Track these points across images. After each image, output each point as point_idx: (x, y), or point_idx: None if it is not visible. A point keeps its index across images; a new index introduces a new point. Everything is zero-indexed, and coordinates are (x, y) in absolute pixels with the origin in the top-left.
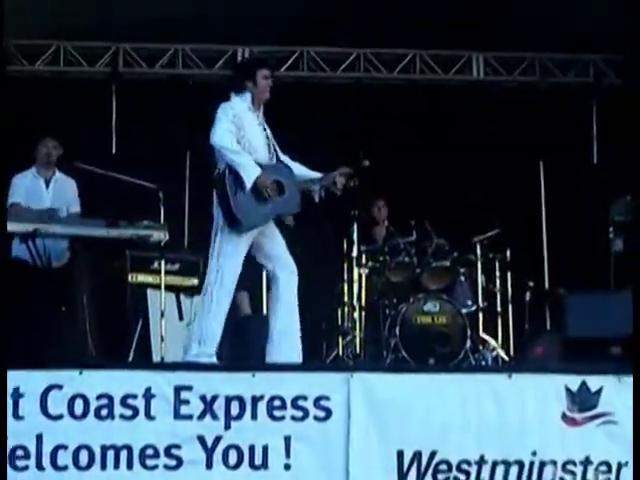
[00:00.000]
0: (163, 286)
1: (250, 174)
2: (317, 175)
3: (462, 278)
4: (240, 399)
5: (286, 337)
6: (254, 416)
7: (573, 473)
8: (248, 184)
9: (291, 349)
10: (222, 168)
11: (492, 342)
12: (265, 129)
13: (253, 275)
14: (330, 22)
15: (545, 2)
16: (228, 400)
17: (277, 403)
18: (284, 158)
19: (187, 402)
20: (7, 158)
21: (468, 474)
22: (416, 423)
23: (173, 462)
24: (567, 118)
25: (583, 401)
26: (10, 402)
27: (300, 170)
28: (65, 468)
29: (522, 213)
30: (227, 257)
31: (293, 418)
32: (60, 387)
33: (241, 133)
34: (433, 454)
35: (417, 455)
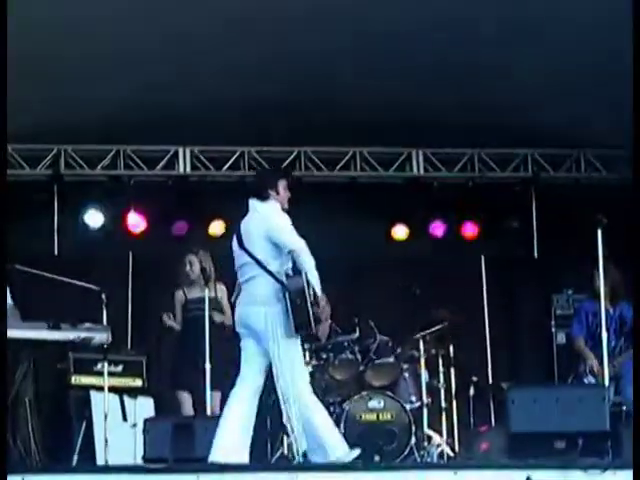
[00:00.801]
0: (106, 388)
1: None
2: None
3: (406, 374)
4: None
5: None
6: None
7: None
8: (319, 291)
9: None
10: (301, 282)
11: (437, 438)
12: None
13: (196, 376)
14: (269, 124)
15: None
16: None
17: None
18: None
19: None
20: None
21: None
22: None
23: None
24: (508, 212)
25: None
26: None
27: None
28: None
29: (464, 308)
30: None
31: None
32: None
33: None
34: None
35: None
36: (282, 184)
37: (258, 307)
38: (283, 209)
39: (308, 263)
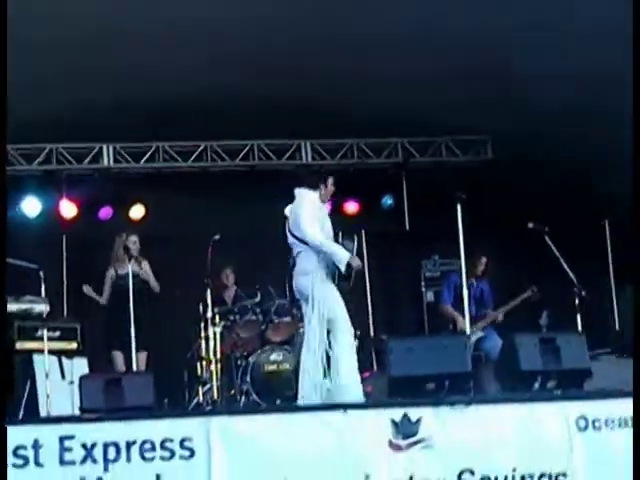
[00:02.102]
0: (46, 351)
1: (343, 258)
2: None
3: (301, 331)
4: (116, 445)
5: None
6: (128, 459)
7: None
8: (342, 267)
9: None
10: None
11: (328, 383)
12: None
13: (126, 336)
14: (180, 122)
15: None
16: (106, 446)
17: (147, 446)
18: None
19: (70, 449)
20: None
21: None
22: (267, 456)
23: None
24: (383, 193)
25: (405, 430)
26: None
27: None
28: None
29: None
30: None
31: (162, 458)
32: None
33: (321, 223)
34: None
35: None
36: (330, 181)
37: (306, 277)
38: (322, 201)
39: (320, 247)
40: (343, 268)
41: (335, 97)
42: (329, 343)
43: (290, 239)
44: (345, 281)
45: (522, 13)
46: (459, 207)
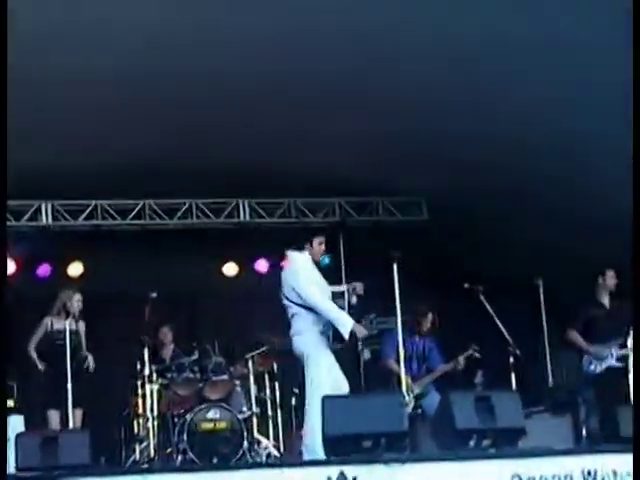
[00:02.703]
0: None
1: (347, 324)
2: (344, 287)
3: (238, 389)
4: None
5: None
6: None
7: None
8: (346, 334)
9: None
10: None
11: (265, 442)
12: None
13: (62, 394)
14: (119, 177)
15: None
16: None
17: None
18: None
19: None
20: None
21: None
22: None
23: None
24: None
25: None
26: None
27: (331, 287)
28: None
29: (286, 332)
30: None
31: None
32: None
33: (318, 283)
34: None
35: None
36: (317, 240)
37: (300, 337)
38: (314, 261)
39: (323, 312)
40: (347, 335)
41: (271, 157)
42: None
43: (284, 301)
44: (340, 343)
45: (457, 76)
46: (395, 266)
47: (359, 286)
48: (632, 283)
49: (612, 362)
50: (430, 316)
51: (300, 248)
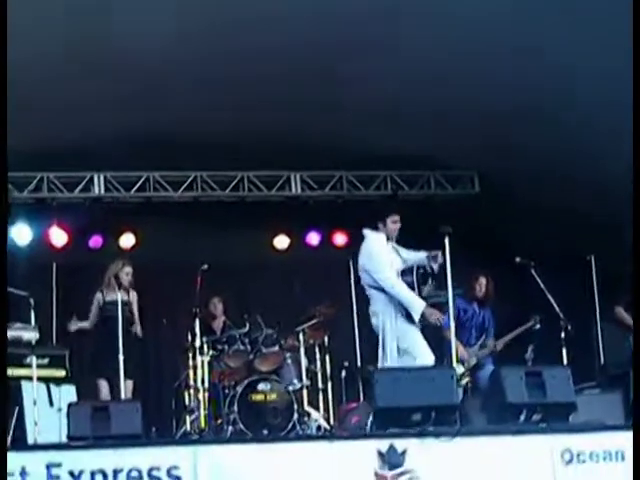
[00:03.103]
0: (35, 378)
1: (417, 308)
2: (423, 255)
3: (288, 361)
4: (103, 472)
5: None
6: None
7: None
8: (416, 317)
9: None
10: None
11: (315, 414)
12: (396, 249)
13: (112, 365)
14: (170, 152)
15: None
16: (93, 474)
17: (135, 474)
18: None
19: (57, 477)
20: None
21: None
22: None
23: None
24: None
25: (391, 461)
26: None
27: (411, 255)
28: None
29: (336, 305)
30: None
31: None
32: None
33: (390, 263)
34: None
35: None
36: (391, 219)
37: (376, 318)
38: (390, 238)
39: (396, 295)
40: (417, 317)
41: (324, 130)
42: None
43: (362, 280)
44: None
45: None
46: (446, 240)
47: (439, 255)
48: (632, 283)
49: None
50: (483, 280)
51: (375, 227)
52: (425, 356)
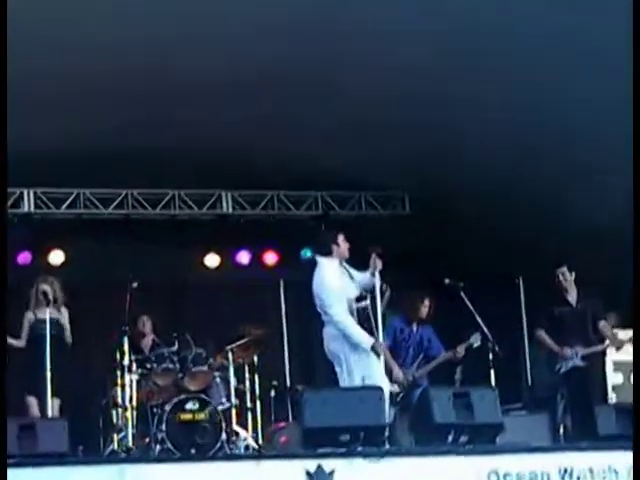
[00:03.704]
0: None
1: (365, 345)
2: (367, 276)
3: (217, 380)
4: None
5: None
6: None
7: None
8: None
9: None
10: None
11: (243, 433)
12: (349, 272)
13: (41, 382)
14: (101, 169)
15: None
16: None
17: None
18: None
19: None
20: None
21: None
22: None
23: None
24: (302, 244)
25: None
26: None
27: (360, 277)
28: None
29: (266, 324)
30: None
31: None
32: None
33: (344, 292)
34: None
35: None
36: (341, 237)
37: (337, 342)
38: (343, 259)
39: (344, 330)
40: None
41: (256, 149)
42: None
43: (318, 307)
44: None
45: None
46: (376, 259)
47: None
48: (632, 283)
49: (576, 362)
50: (427, 302)
51: (328, 253)
52: (384, 384)
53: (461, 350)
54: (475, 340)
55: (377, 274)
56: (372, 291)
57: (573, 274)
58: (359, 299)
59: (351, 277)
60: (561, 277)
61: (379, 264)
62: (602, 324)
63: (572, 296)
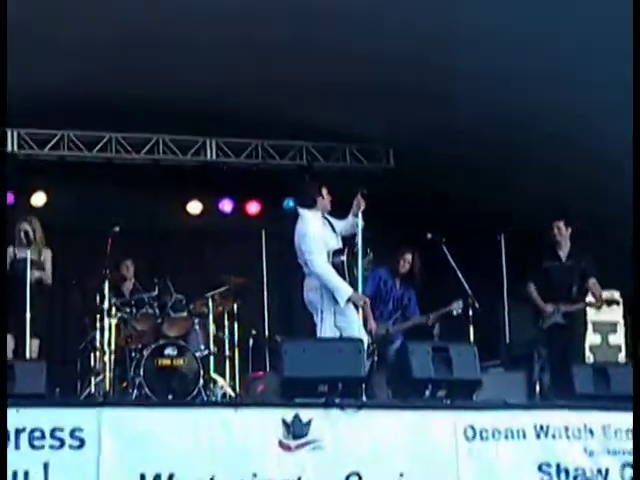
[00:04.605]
0: None
1: (343, 295)
2: (349, 219)
3: (197, 327)
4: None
5: None
6: (17, 446)
7: None
8: (342, 302)
9: None
10: None
11: (221, 381)
12: (330, 224)
13: (19, 322)
14: (87, 112)
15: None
16: None
17: (37, 434)
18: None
19: None
20: None
21: None
22: (157, 450)
23: None
24: (285, 194)
25: (296, 431)
26: None
27: (342, 225)
28: None
29: (247, 273)
30: None
31: (51, 447)
32: None
33: (325, 243)
34: (171, 476)
35: (157, 477)
36: (324, 190)
37: (315, 292)
38: (326, 211)
39: (324, 281)
40: (342, 303)
41: (241, 99)
42: None
43: (299, 258)
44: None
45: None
46: (360, 200)
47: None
48: (633, 283)
49: (557, 319)
50: (408, 256)
51: (311, 204)
52: (361, 336)
53: (434, 318)
54: (456, 308)
55: (360, 215)
56: (352, 242)
57: (569, 229)
58: (336, 252)
59: (333, 229)
60: (556, 230)
61: (363, 204)
62: (592, 281)
63: (564, 251)
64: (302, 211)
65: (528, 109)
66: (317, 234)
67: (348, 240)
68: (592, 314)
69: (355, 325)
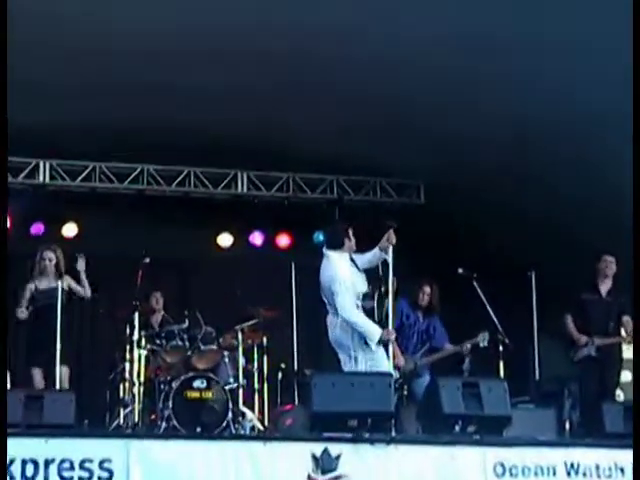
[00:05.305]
0: None
1: (374, 337)
2: (375, 252)
3: (226, 360)
4: (34, 462)
5: None
6: (46, 477)
7: None
8: (373, 345)
9: None
10: None
11: (250, 414)
12: (356, 265)
13: (47, 353)
14: (120, 141)
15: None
16: (24, 463)
17: (66, 465)
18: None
19: None
20: None
21: None
22: None
23: None
24: (316, 228)
25: (325, 465)
26: None
27: (365, 258)
28: None
29: (277, 306)
30: None
31: (80, 478)
32: None
33: (354, 286)
34: None
35: None
36: (351, 231)
37: (346, 333)
38: (352, 251)
39: (353, 325)
40: (373, 346)
41: (274, 133)
42: None
43: (324, 295)
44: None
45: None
46: (391, 234)
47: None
48: (632, 283)
49: (591, 352)
50: (427, 289)
51: (340, 246)
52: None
53: (468, 347)
54: (482, 339)
55: (390, 249)
56: (376, 283)
57: (612, 263)
58: (365, 296)
59: (359, 270)
60: (606, 264)
61: (393, 238)
62: (626, 319)
63: (605, 286)
64: (328, 252)
65: (557, 147)
66: (347, 277)
67: (373, 281)
68: (625, 351)
69: (384, 362)
